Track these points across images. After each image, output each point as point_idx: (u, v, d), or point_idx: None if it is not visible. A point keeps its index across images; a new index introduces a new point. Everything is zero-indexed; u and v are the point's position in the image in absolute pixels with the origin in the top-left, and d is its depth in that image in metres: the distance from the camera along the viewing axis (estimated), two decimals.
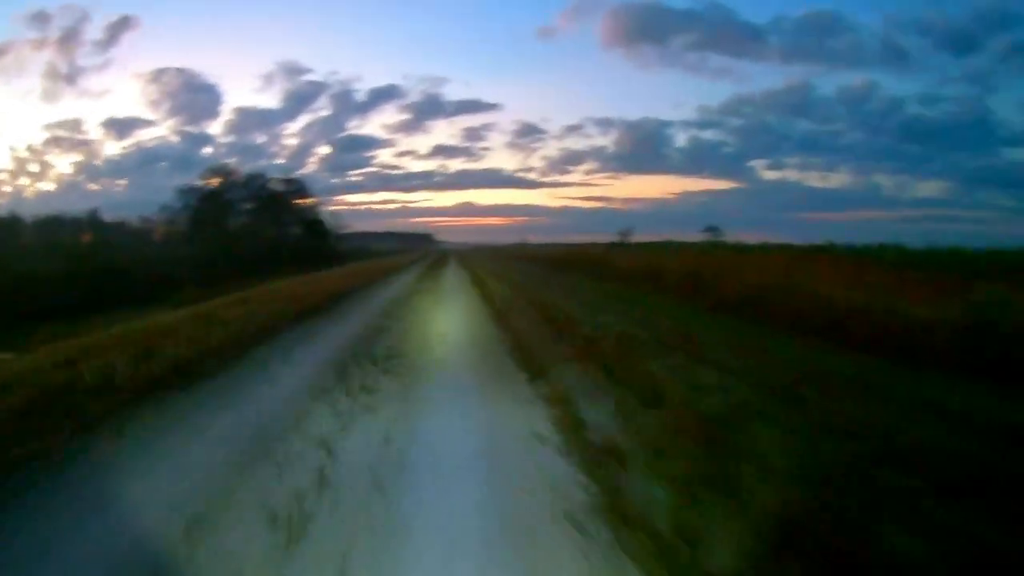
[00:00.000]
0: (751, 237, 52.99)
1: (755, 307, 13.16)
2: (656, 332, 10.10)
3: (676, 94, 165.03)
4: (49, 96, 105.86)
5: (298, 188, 52.26)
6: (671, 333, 10.11)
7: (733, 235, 56.56)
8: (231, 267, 32.93)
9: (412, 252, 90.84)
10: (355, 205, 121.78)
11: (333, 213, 59.73)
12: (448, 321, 12.90)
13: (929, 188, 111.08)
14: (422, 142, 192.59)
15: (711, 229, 59.86)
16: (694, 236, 58.08)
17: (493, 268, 32.70)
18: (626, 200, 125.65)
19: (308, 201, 52.76)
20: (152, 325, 10.83)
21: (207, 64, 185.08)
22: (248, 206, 47.82)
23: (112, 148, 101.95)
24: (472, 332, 10.97)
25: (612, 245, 56.48)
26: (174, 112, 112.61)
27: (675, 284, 18.36)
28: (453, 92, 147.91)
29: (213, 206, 44.22)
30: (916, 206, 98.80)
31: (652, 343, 9.11)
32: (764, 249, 33.98)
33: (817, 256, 21.07)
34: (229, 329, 10.18)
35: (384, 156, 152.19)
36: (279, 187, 50.97)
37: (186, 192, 44.71)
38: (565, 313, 12.24)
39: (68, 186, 74.79)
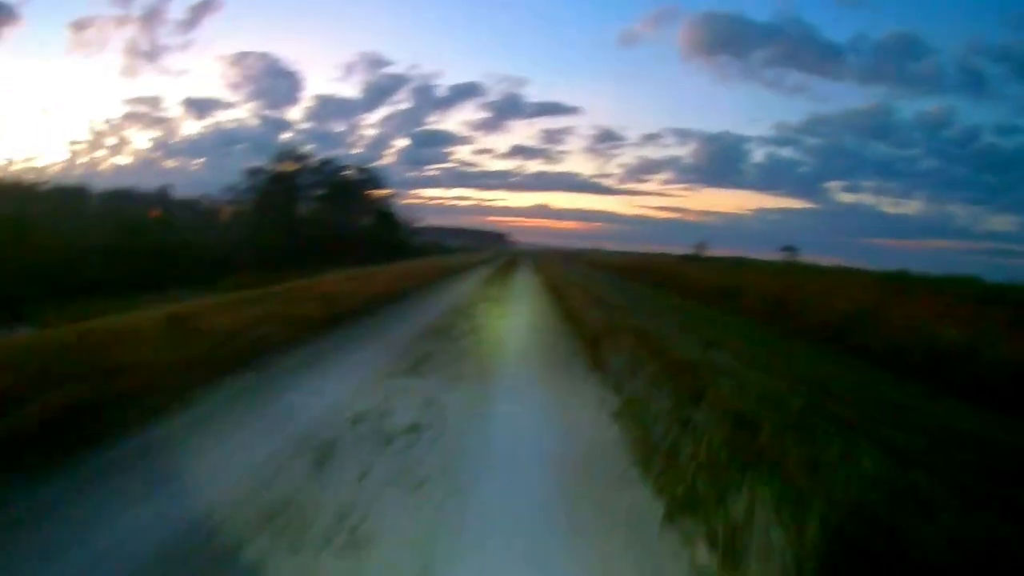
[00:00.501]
0: (823, 259, 51.40)
1: (843, 335, 12.28)
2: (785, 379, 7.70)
3: (753, 109, 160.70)
4: (129, 72, 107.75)
5: (372, 178, 51.15)
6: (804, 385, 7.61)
7: (806, 256, 54.58)
8: (294, 254, 31.78)
9: (484, 251, 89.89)
10: (430, 200, 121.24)
11: (407, 206, 58.76)
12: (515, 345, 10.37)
13: (1003, 221, 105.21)
14: (500, 141, 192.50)
15: (788, 249, 58.00)
16: (768, 254, 56.51)
17: (568, 273, 31.01)
18: (700, 213, 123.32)
19: (382, 193, 51.42)
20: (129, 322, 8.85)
21: (289, 50, 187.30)
22: (319, 192, 46.60)
23: (190, 127, 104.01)
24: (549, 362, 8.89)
25: (686, 257, 55.34)
26: (254, 96, 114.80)
27: (756, 305, 17.34)
28: (533, 93, 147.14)
29: (281, 189, 43.23)
30: (988, 239, 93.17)
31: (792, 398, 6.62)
32: (840, 272, 32.76)
33: (895, 284, 20.75)
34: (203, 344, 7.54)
35: (462, 153, 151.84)
36: (352, 175, 49.59)
37: (254, 173, 43.58)
38: (659, 340, 9.88)
39: (144, 163, 75.65)
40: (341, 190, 48.58)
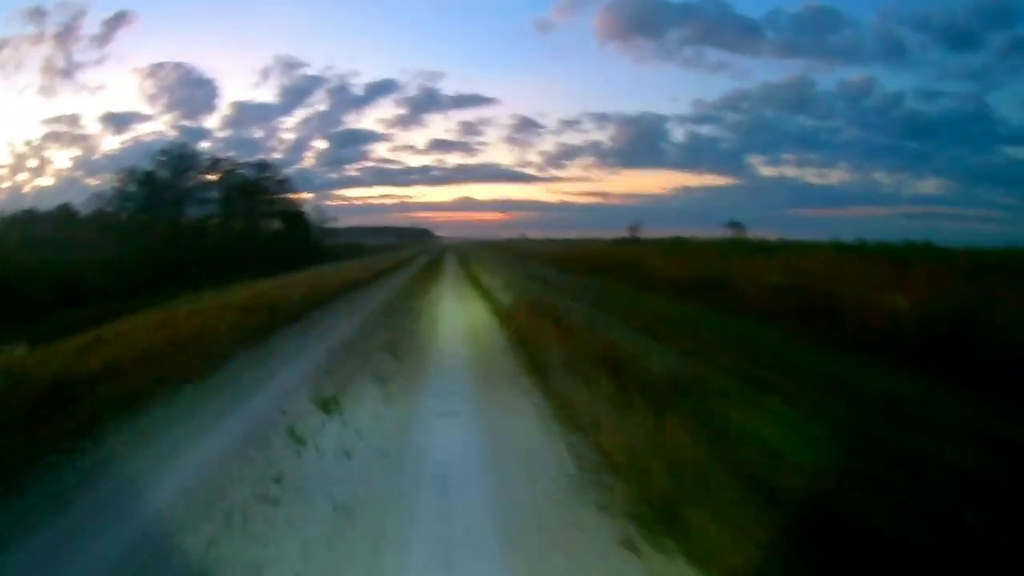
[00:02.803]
0: (751, 234, 48.13)
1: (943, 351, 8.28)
2: None
3: (673, 89, 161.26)
4: (47, 91, 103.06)
5: (273, 174, 44.82)
6: None
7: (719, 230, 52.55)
8: (175, 270, 25.97)
9: (407, 248, 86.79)
10: (352, 200, 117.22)
11: (318, 206, 52.57)
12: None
13: (928, 185, 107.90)
14: (419, 137, 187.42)
15: (734, 224, 54.98)
16: (703, 231, 54.15)
17: (501, 271, 25.44)
18: (624, 196, 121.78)
19: (292, 194, 45.43)
20: None
21: (204, 59, 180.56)
22: (211, 195, 40.18)
23: (110, 143, 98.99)
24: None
25: (621, 241, 51.91)
26: (171, 107, 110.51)
27: (764, 302, 13.42)
28: (450, 86, 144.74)
29: (160, 195, 36.67)
30: (915, 203, 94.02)
31: None
32: (793, 247, 28.67)
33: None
34: None
35: (381, 151, 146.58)
36: (249, 173, 43.30)
37: (127, 177, 36.68)
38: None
39: (66, 182, 70.83)
40: (241, 192, 42.32)
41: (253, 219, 44.18)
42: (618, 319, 11.41)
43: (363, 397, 6.43)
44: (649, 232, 57.15)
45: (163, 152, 39.52)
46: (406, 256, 51.54)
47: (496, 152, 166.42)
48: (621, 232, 61.81)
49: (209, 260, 31.57)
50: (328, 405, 6.12)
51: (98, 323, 13.88)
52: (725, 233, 52.91)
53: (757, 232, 50.02)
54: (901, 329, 9.29)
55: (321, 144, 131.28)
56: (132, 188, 36.88)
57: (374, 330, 10.93)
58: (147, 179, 37.27)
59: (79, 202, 38.45)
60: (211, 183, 40.51)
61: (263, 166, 45.47)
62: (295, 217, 47.06)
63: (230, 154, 45.75)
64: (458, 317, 12.75)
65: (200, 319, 10.43)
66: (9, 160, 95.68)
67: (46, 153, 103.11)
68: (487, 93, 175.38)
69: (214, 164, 41.49)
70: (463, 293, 17.89)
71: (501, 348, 9.07)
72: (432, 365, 8.26)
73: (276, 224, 45.97)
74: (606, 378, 5.99)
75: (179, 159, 39.12)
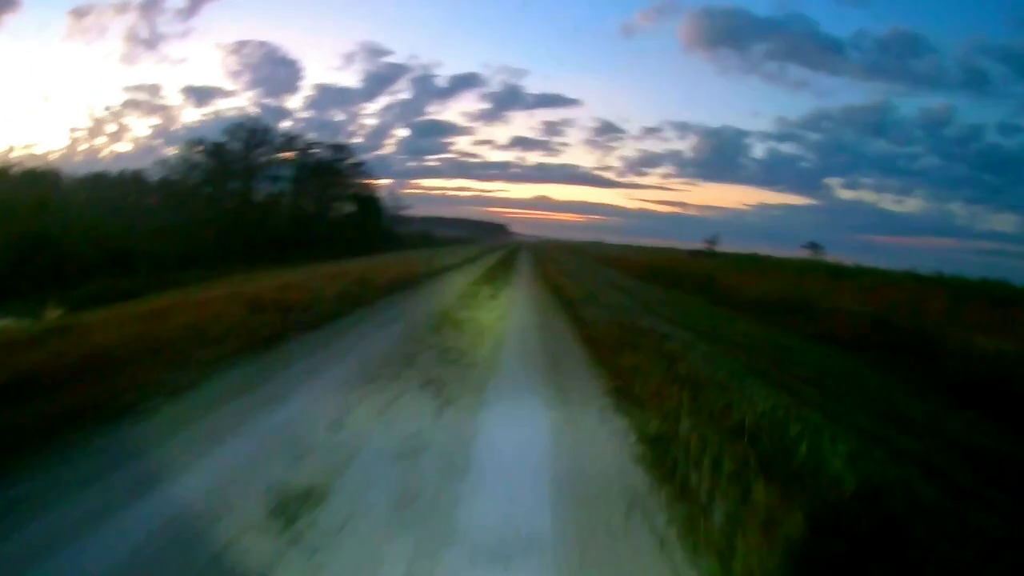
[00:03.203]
0: (827, 256, 46.67)
1: None
2: None
3: (754, 103, 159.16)
4: (128, 60, 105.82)
5: (348, 157, 43.98)
6: None
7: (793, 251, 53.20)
8: (241, 246, 25.40)
9: (480, 243, 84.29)
10: (429, 190, 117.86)
11: (393, 193, 51.77)
12: None
13: (1003, 221, 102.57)
14: (501, 132, 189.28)
15: (812, 246, 52.84)
16: (778, 250, 54.91)
17: (580, 277, 22.82)
18: (700, 207, 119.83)
19: (368, 179, 44.63)
20: None
21: (288, 39, 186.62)
22: (284, 173, 39.52)
23: (190, 115, 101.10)
24: None
25: (696, 253, 50.81)
26: (254, 84, 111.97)
27: (850, 329, 12.33)
28: (533, 85, 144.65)
29: (227, 166, 36.00)
30: (988, 238, 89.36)
31: None
32: (870, 274, 28.50)
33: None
34: None
35: (462, 143, 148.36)
36: (325, 154, 42.53)
37: (196, 146, 36.31)
38: None
39: (145, 150, 72.76)
40: (314, 172, 41.69)
41: (325, 200, 43.56)
42: (713, 344, 9.52)
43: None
44: (725, 246, 55.58)
45: (237, 125, 38.75)
46: (477, 252, 48.60)
47: (576, 154, 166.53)
48: (697, 244, 60.45)
49: (275, 238, 30.98)
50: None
51: (130, 296, 13.11)
52: (802, 253, 51.09)
53: (832, 255, 48.33)
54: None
55: (402, 132, 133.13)
56: (200, 158, 36.25)
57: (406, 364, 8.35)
58: (216, 150, 36.67)
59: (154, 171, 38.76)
60: (284, 161, 40.01)
61: (339, 148, 44.78)
62: (368, 201, 46.34)
63: (310, 135, 44.81)
64: (530, 339, 8.88)
65: (212, 309, 8.85)
66: (89, 124, 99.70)
67: (125, 120, 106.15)
68: (569, 94, 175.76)
69: (288, 142, 40.97)
70: (536, 296, 15.54)
71: (597, 408, 5.46)
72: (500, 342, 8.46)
73: (348, 207, 45.28)
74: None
75: (252, 133, 38.45)
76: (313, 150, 42.17)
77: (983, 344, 10.09)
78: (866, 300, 15.97)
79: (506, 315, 11.17)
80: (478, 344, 7.97)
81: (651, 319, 11.09)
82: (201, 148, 35.62)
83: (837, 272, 29.51)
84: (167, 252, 21.58)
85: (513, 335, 8.97)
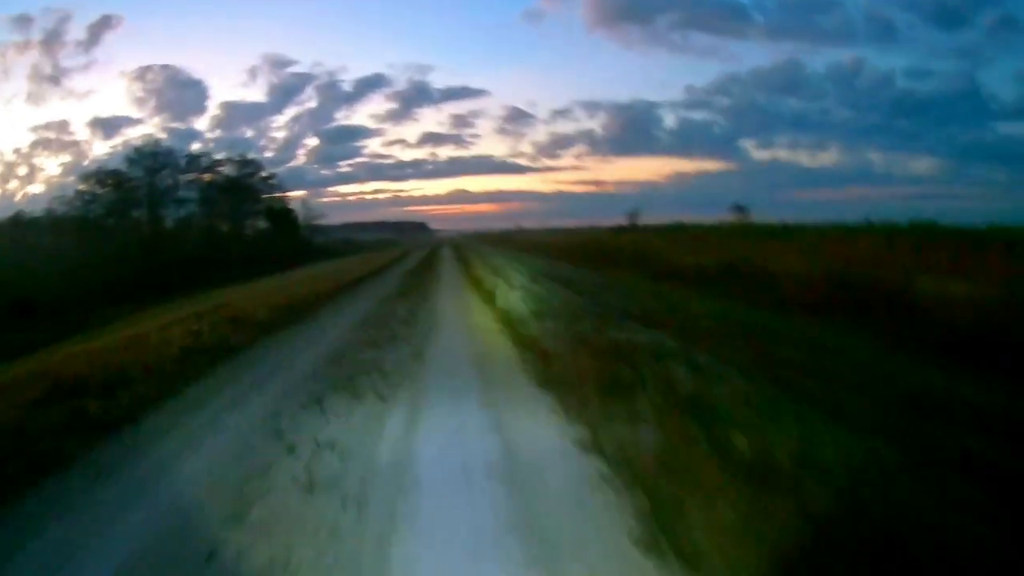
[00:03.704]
0: (752, 218, 46.89)
1: None
2: None
3: (662, 75, 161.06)
4: (35, 98, 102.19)
5: (258, 172, 42.14)
6: None
7: (715, 217, 50.67)
8: (148, 276, 23.68)
9: (401, 244, 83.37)
10: (346, 196, 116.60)
11: (305, 202, 49.98)
12: None
13: (921, 164, 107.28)
14: (411, 131, 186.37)
15: (738, 208, 52.66)
16: (695, 217, 53.01)
17: (506, 269, 21.00)
18: (618, 183, 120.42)
19: (277, 189, 42.83)
20: None
21: (191, 60, 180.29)
22: (192, 195, 37.51)
23: (101, 148, 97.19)
24: None
25: (621, 229, 50.04)
26: (161, 109, 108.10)
27: (803, 293, 11.73)
28: (440, 79, 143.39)
29: (129, 195, 33.90)
30: (909, 183, 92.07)
31: None
32: (805, 230, 26.26)
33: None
34: None
35: (373, 146, 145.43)
36: (230, 170, 40.61)
37: (92, 178, 33.71)
38: None
39: (58, 188, 68.92)
40: (222, 191, 39.76)
41: (238, 218, 41.67)
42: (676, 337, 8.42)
43: None
44: (647, 219, 55.49)
45: (136, 150, 36.67)
46: (398, 253, 47.74)
47: (489, 144, 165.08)
48: (618, 220, 60.06)
49: (187, 264, 29.22)
50: None
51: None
52: (728, 217, 51.10)
53: (757, 216, 48.65)
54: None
55: (313, 141, 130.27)
56: (99, 190, 34.07)
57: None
58: (115, 179, 34.47)
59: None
60: (190, 182, 37.92)
61: (246, 163, 43.04)
62: (281, 215, 44.68)
63: (220, 154, 42.60)
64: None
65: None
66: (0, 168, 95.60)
67: (36, 160, 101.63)
68: (477, 85, 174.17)
69: (192, 161, 38.98)
70: (464, 306, 13.50)
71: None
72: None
73: (262, 223, 43.49)
74: None
75: (152, 157, 36.37)
76: (220, 168, 40.24)
77: (956, 291, 9.66)
78: (810, 259, 15.54)
79: (421, 352, 8.16)
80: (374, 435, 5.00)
81: (618, 322, 9.45)
82: (95, 179, 33.09)
83: (769, 233, 29.31)
84: (68, 294, 19.81)
85: (437, 389, 6.29)
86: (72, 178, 76.81)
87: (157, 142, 39.04)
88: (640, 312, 10.62)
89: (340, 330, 10.38)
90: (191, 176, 38.44)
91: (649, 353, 6.69)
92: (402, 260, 34.63)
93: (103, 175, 34.16)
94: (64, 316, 17.09)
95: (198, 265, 29.13)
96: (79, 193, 33.31)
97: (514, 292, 13.41)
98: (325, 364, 7.61)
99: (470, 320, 11.10)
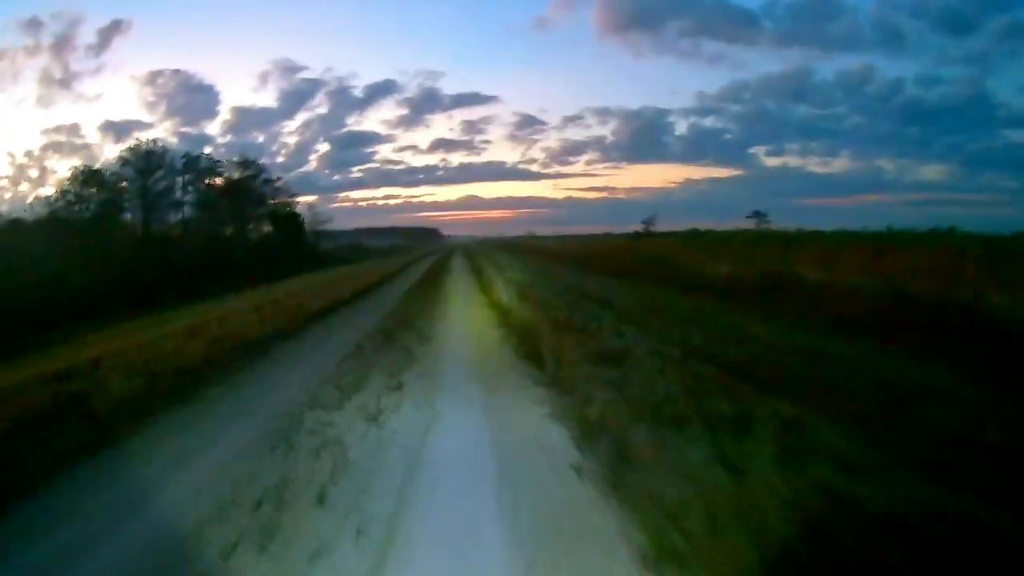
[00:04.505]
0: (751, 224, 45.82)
1: None
2: None
3: (673, 82, 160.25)
4: (45, 102, 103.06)
5: (257, 172, 40.49)
6: None
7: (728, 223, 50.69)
8: (137, 284, 22.07)
9: (411, 250, 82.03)
10: (357, 202, 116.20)
11: (312, 206, 48.14)
12: None
13: (931, 171, 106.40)
14: (422, 137, 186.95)
15: (758, 215, 51.18)
16: (707, 223, 50.91)
17: (522, 280, 18.46)
18: (629, 190, 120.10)
19: (282, 192, 41.33)
20: None
21: (202, 64, 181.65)
22: (189, 198, 35.97)
23: (111, 151, 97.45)
24: None
25: (636, 235, 49.86)
26: (171, 114, 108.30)
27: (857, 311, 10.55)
28: (450, 86, 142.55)
29: (119, 197, 32.28)
30: (919, 190, 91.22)
31: None
32: (822, 238, 24.38)
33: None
34: None
35: (385, 152, 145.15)
36: (233, 173, 39.07)
37: (79, 178, 31.94)
38: None
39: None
40: (222, 194, 38.19)
41: (241, 222, 40.05)
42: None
43: None
44: (660, 225, 54.37)
45: (128, 150, 34.77)
46: (407, 260, 45.35)
47: (500, 150, 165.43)
48: (631, 227, 59.32)
49: (183, 270, 27.61)
50: None
51: None
52: (745, 224, 49.83)
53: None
54: None
55: (324, 147, 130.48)
56: (86, 191, 32.11)
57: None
58: (101, 180, 32.65)
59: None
60: (187, 184, 36.40)
61: (246, 164, 41.51)
62: (286, 219, 43.00)
63: (228, 158, 41.00)
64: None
65: None
66: (9, 171, 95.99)
67: (47, 163, 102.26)
68: (488, 91, 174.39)
69: (189, 163, 37.42)
70: (475, 318, 12.67)
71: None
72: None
73: (266, 227, 41.91)
74: None
75: (146, 157, 34.59)
76: (220, 170, 38.81)
77: None
78: (851, 269, 13.88)
79: (427, 398, 6.76)
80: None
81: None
82: (79, 179, 31.31)
83: (795, 240, 27.68)
84: (43, 304, 18.17)
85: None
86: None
87: (154, 142, 36.98)
88: (715, 351, 7.97)
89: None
90: (188, 178, 37.06)
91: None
92: (414, 266, 33.52)
93: (87, 175, 32.46)
94: (33, 329, 15.50)
95: (191, 273, 27.57)
96: (62, 194, 31.59)
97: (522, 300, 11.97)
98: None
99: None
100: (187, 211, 37.43)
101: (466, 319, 13.11)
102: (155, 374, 7.69)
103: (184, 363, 8.41)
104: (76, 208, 31.30)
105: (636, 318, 11.18)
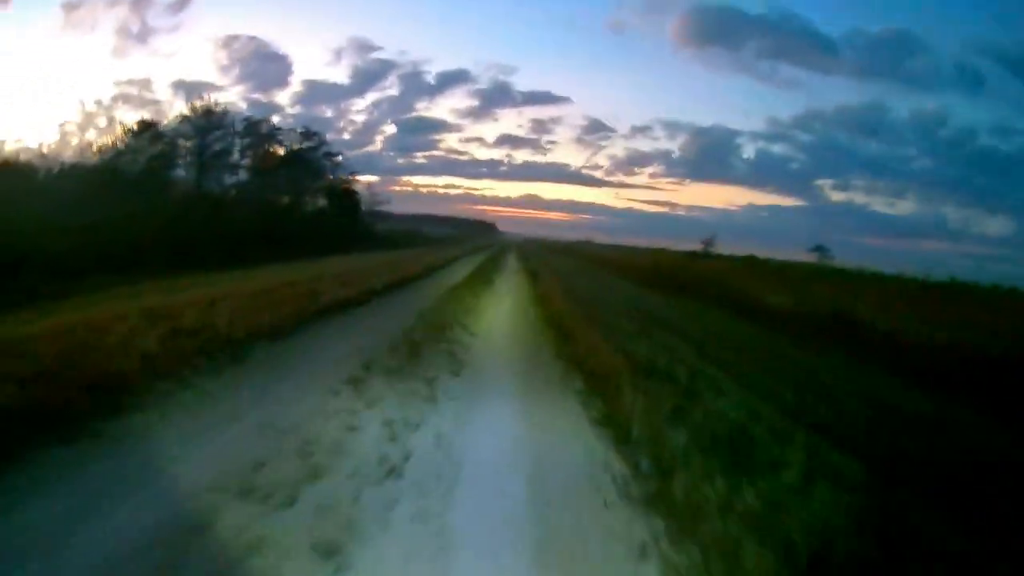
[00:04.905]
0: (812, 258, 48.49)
1: None
2: None
3: (745, 102, 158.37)
4: (119, 53, 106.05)
5: (317, 144, 40.00)
6: None
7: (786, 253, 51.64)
8: (179, 244, 21.63)
9: (466, 242, 79.70)
10: (418, 187, 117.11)
11: (371, 186, 47.45)
12: None
13: (997, 224, 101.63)
14: (489, 130, 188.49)
15: (819, 249, 50.56)
16: (765, 251, 52.80)
17: (585, 291, 17.85)
18: (689, 207, 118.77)
19: (341, 168, 40.96)
20: None
21: (278, 34, 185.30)
22: (246, 162, 35.80)
23: (180, 109, 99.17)
24: None
25: (693, 254, 50.39)
26: (243, 79, 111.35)
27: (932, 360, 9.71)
28: (522, 82, 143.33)
29: (173, 153, 31.88)
30: (982, 242, 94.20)
31: None
32: (881, 280, 25.52)
33: None
34: None
35: (450, 141, 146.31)
36: (294, 142, 38.61)
37: (130, 131, 31.75)
38: None
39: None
40: (283, 162, 37.74)
41: (296, 193, 39.54)
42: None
43: None
44: (720, 247, 53.36)
45: (189, 106, 34.68)
46: (459, 252, 44.44)
47: (565, 152, 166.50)
48: (688, 243, 59.44)
49: (232, 234, 27.14)
50: None
51: None
52: (805, 256, 49.18)
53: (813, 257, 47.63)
54: None
55: (391, 129, 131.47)
56: (140, 143, 31.35)
57: None
58: (158, 134, 32.17)
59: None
60: (245, 149, 36.45)
61: (307, 135, 40.93)
62: (343, 196, 42.46)
63: (285, 126, 40.61)
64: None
65: None
66: (79, 118, 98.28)
67: (115, 114, 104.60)
68: (559, 91, 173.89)
69: (250, 127, 37.10)
70: (526, 318, 12.30)
71: None
72: None
73: (321, 201, 41.46)
74: None
75: (205, 115, 34.14)
76: (280, 137, 38.86)
77: None
78: (916, 316, 13.59)
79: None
80: None
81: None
82: (131, 130, 31.11)
83: (850, 277, 26.39)
84: (78, 254, 17.66)
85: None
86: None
87: (215, 102, 36.26)
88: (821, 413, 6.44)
89: None
90: (247, 142, 36.98)
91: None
92: (465, 259, 34.08)
93: (143, 127, 31.91)
94: (61, 278, 14.98)
95: (240, 238, 27.10)
96: (116, 144, 30.98)
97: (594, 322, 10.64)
98: None
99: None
100: (242, 175, 37.41)
101: (513, 337, 10.59)
102: None
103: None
104: (128, 159, 30.76)
105: (714, 353, 9.59)
